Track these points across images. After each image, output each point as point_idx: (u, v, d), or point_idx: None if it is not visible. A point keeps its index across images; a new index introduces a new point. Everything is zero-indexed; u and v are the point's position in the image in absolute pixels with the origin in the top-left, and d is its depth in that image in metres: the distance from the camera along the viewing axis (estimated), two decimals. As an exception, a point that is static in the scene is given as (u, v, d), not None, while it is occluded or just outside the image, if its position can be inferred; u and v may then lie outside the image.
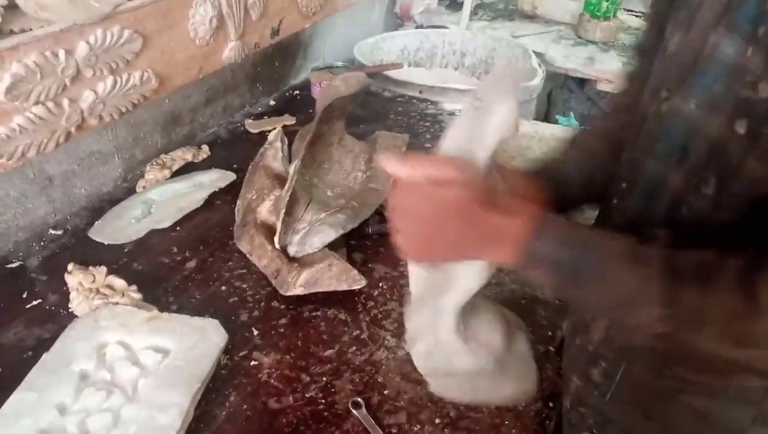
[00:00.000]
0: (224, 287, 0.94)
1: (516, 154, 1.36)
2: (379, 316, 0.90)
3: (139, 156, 1.22)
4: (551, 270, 0.55)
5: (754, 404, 0.62)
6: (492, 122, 0.58)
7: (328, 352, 0.84)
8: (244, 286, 0.95)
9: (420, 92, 1.62)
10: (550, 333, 0.88)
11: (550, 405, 0.79)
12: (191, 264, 0.99)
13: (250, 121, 1.44)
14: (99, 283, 0.90)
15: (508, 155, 1.35)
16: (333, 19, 1.72)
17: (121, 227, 1.04)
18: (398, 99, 1.61)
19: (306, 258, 0.96)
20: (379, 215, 1.09)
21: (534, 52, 1.85)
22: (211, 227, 1.08)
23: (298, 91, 1.62)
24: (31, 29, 0.80)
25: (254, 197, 1.07)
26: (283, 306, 0.91)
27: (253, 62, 1.47)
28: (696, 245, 0.52)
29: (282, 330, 0.87)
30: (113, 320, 0.83)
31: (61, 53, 0.81)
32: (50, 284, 0.93)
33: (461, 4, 2.17)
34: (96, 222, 1.05)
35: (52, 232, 1.05)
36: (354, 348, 0.85)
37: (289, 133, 1.22)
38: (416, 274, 0.68)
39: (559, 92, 2.68)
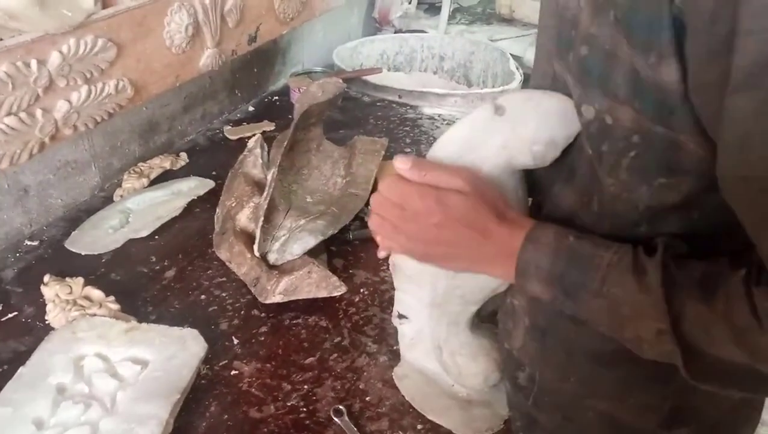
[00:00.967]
0: (204, 296, 0.94)
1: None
2: (360, 322, 0.90)
3: (116, 165, 1.21)
4: (545, 284, 0.54)
5: (657, 410, 0.62)
6: (509, 139, 0.57)
7: (309, 360, 0.84)
8: (224, 295, 0.94)
9: (399, 97, 1.62)
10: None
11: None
12: (170, 274, 0.98)
13: (229, 127, 1.43)
14: (76, 294, 0.89)
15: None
16: (311, 25, 1.72)
17: (98, 237, 1.03)
18: (378, 104, 1.61)
19: (286, 266, 0.96)
20: (360, 220, 1.10)
21: (512, 55, 1.86)
22: (189, 236, 1.07)
23: (277, 97, 1.62)
24: (1, 39, 0.79)
25: (233, 205, 1.07)
26: (263, 314, 0.91)
27: (232, 69, 1.46)
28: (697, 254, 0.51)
29: (262, 339, 0.87)
30: (91, 332, 0.82)
31: (33, 63, 0.80)
32: (26, 296, 0.92)
33: (439, 8, 2.17)
34: (72, 232, 1.04)
35: (28, 243, 1.04)
36: (335, 355, 0.85)
37: (268, 139, 1.21)
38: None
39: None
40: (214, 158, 1.30)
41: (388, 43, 2.02)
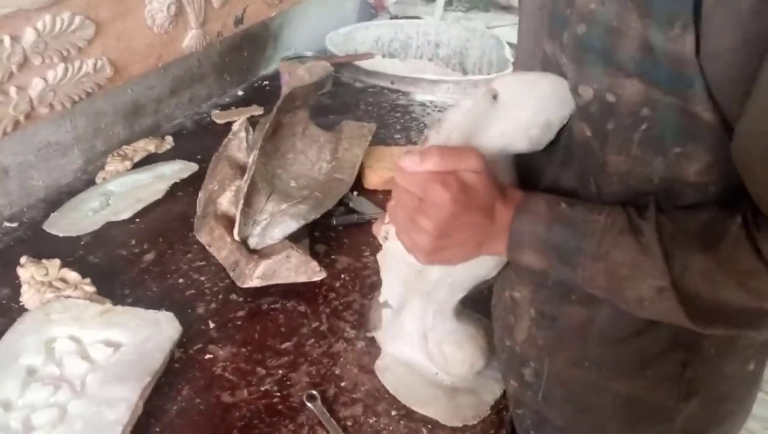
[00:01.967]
0: (182, 279, 0.93)
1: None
2: (340, 308, 0.89)
3: (99, 147, 1.19)
4: (540, 253, 0.54)
5: (676, 382, 0.62)
6: (506, 125, 0.56)
7: (286, 345, 0.82)
8: (202, 279, 0.93)
9: (392, 83, 1.60)
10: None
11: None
12: (149, 257, 0.97)
13: (217, 111, 1.42)
14: (52, 276, 0.88)
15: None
16: (304, 9, 1.70)
17: (77, 219, 1.01)
18: (369, 89, 1.59)
19: (265, 250, 0.95)
20: (344, 206, 1.08)
21: (508, 43, 1.84)
22: (171, 219, 1.05)
23: (267, 82, 1.60)
24: (-26, 14, 0.77)
25: (215, 188, 1.05)
26: (241, 299, 0.90)
27: (220, 52, 1.45)
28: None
29: (239, 323, 0.86)
30: (64, 314, 0.81)
31: (6, 39, 0.79)
32: (2, 278, 0.90)
33: (436, -4, 2.16)
34: (52, 214, 1.03)
35: (7, 224, 1.02)
36: (312, 340, 0.83)
37: (255, 123, 1.20)
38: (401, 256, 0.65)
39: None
40: (200, 142, 1.29)
41: (383, 29, 2.00)
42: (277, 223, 0.97)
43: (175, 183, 1.12)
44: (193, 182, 1.13)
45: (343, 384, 0.77)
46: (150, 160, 1.20)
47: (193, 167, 1.17)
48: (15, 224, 1.02)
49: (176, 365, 0.78)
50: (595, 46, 0.49)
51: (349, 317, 0.87)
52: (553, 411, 0.69)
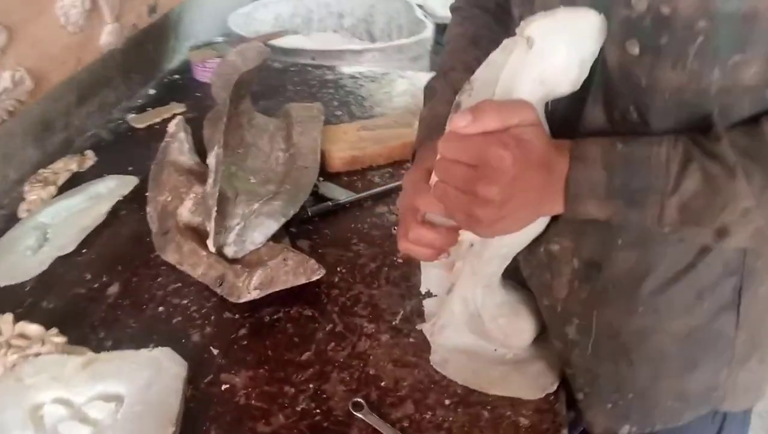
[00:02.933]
0: (161, 308, 0.81)
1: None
2: (349, 304, 0.81)
3: (12, 176, 1.02)
4: (603, 200, 0.50)
5: (732, 309, 0.62)
6: (545, 71, 0.51)
7: (306, 355, 0.74)
8: (185, 302, 0.82)
9: (313, 59, 1.51)
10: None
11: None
12: (113, 290, 0.84)
13: (133, 116, 1.27)
14: (7, 334, 0.74)
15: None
16: (199, -8, 1.56)
17: (15, 262, 0.86)
18: (291, 69, 1.48)
19: (251, 257, 0.85)
20: (314, 195, 1.00)
21: (417, 5, 1.79)
22: (124, 243, 0.93)
23: (178, 76, 1.45)
24: None
25: (169, 199, 0.94)
26: (237, 316, 0.80)
27: (123, 51, 1.28)
28: None
29: (245, 343, 0.76)
30: (41, 375, 0.68)
31: None
32: (-59, 349, 0.75)
33: (325, -36, 2.06)
34: (-19, 263, 0.87)
35: (-75, 285, 0.85)
36: (332, 344, 0.76)
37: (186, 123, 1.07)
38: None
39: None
40: (126, 152, 1.14)
41: (282, 5, 1.88)
42: (254, 226, 0.88)
43: (117, 202, 0.98)
44: (135, 198, 1.00)
45: (383, 384, 0.71)
46: (76, 181, 1.05)
47: (132, 180, 1.03)
48: (-65, 282, 0.86)
49: (191, 405, 0.68)
50: None
51: (361, 312, 0.80)
52: (605, 365, 0.66)
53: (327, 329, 0.78)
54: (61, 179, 1.04)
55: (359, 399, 0.68)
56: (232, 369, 0.73)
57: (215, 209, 0.84)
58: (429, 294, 0.69)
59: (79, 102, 1.17)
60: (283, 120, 1.10)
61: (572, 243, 0.62)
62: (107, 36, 0.97)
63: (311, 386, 0.70)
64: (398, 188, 1.03)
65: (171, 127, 1.03)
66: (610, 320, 0.64)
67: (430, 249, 0.64)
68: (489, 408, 0.68)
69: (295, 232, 0.94)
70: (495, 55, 0.55)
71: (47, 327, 0.75)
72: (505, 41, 0.54)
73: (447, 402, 0.69)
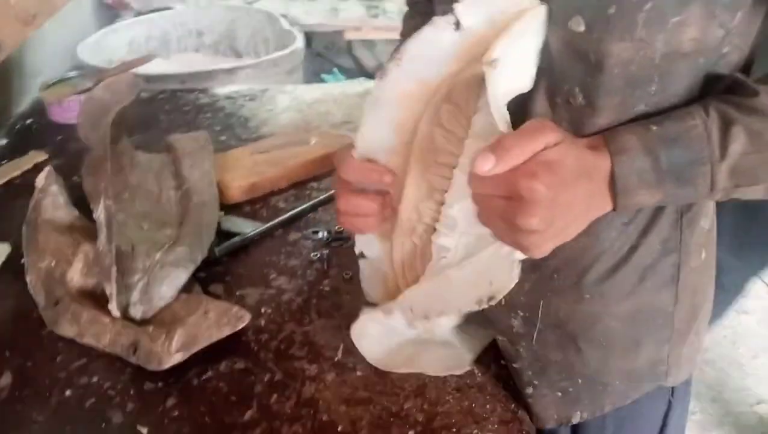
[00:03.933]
0: (69, 391, 0.71)
1: (319, 123, 1.25)
2: (283, 347, 0.75)
3: None
4: (653, 187, 0.50)
5: (671, 285, 0.64)
6: (511, 90, 0.50)
7: (249, 414, 0.67)
8: (96, 379, 0.72)
9: (182, 83, 1.41)
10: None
11: (502, 362, 0.73)
12: (5, 381, 0.72)
13: (-14, 172, 1.11)
14: None
15: (312, 126, 1.23)
16: (44, 23, 1.40)
17: None
18: (160, 97, 1.38)
19: (163, 315, 0.77)
20: (218, 233, 0.91)
21: (281, 15, 1.74)
22: (6, 323, 0.80)
23: (31, 120, 1.30)
24: None
25: (53, 264, 0.82)
26: (160, 384, 0.71)
27: (-40, 99, 1.13)
28: None
29: (176, 413, 0.68)
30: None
31: None
32: None
33: (174, -19, 1.94)
34: None
35: None
36: (275, 395, 0.69)
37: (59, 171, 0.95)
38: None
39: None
40: (-15, 216, 1.00)
41: (134, 28, 1.76)
42: (160, 278, 0.79)
43: (-12, 276, 0.85)
44: (10, 268, 0.88)
45: (340, 429, 0.65)
46: (-70, 258, 0.90)
47: (4, 249, 0.90)
48: None
49: (129, 500, 0.59)
50: None
51: (299, 353, 0.74)
52: (552, 354, 0.66)
53: (265, 380, 0.71)
54: None
55: (320, 452, 0.62)
56: (168, 447, 0.64)
57: (114, 268, 0.74)
58: (362, 255, 0.65)
59: None
60: (168, 154, 1.01)
61: None
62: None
63: (263, 447, 0.64)
64: (307, 211, 0.98)
65: (39, 180, 0.91)
66: (556, 310, 0.64)
67: (368, 218, 0.62)
68: (454, 430, 0.65)
69: (204, 276, 0.86)
70: (426, 32, 0.53)
71: (-71, 445, 0.62)
72: (435, 18, 0.53)
73: (411, 432, 0.65)
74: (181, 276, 0.79)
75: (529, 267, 0.61)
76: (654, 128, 0.50)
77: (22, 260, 0.85)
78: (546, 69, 0.53)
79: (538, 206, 0.47)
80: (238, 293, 0.83)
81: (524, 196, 0.47)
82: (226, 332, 0.73)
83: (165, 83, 1.41)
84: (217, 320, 0.73)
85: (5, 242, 0.91)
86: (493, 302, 0.55)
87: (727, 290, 1.80)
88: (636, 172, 0.50)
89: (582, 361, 0.66)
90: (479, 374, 0.71)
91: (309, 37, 2.24)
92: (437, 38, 0.52)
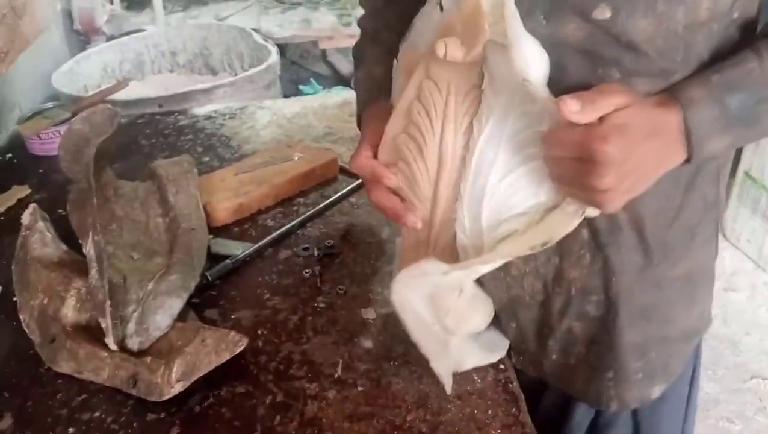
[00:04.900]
0: (72, 429, 0.70)
1: (301, 136, 1.25)
2: (282, 367, 0.76)
3: None
4: (725, 132, 0.53)
5: (713, 238, 0.69)
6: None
7: (254, 438, 0.68)
8: (97, 415, 0.72)
9: (160, 106, 1.41)
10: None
11: (501, 366, 0.74)
12: (6, 423, 0.72)
13: (-32, 211, 1.10)
14: None
15: (294, 140, 1.24)
16: (16, 59, 1.39)
17: None
18: (138, 121, 1.37)
19: (160, 345, 0.77)
20: (207, 255, 0.91)
21: (253, 30, 1.74)
22: (2, 364, 0.80)
23: (10, 154, 1.29)
24: None
25: (46, 301, 0.82)
26: (163, 414, 0.71)
27: (-63, 138, 1.12)
28: None
29: (181, 443, 0.68)
30: None
31: None
32: None
33: (141, 2, 1.94)
34: None
35: None
36: (278, 417, 0.70)
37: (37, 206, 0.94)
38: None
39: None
40: (-30, 255, 0.99)
41: (106, 53, 1.75)
42: (154, 308, 0.79)
43: (-20, 318, 0.85)
44: (2, 308, 0.87)
45: (346, 446, 0.66)
46: None
47: (-6, 288, 0.89)
48: None
49: None
50: None
51: (298, 373, 0.75)
52: (626, 334, 0.68)
53: (267, 402, 0.72)
54: None
55: (327, 471, 0.63)
56: (175, 478, 0.65)
57: (108, 302, 0.74)
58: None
59: None
60: (153, 182, 1.01)
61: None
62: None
63: (270, 471, 0.64)
64: (296, 228, 0.98)
65: (25, 218, 0.90)
66: (629, 283, 0.66)
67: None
68: (466, 447, 0.66)
69: (198, 302, 0.86)
70: (425, 7, 0.59)
71: (-65, 496, 0.62)
72: None
73: (410, 450, 0.66)
74: (176, 305, 0.79)
75: (596, 246, 0.64)
76: (715, 77, 0.53)
77: (14, 298, 0.85)
78: (575, 58, 0.55)
79: (611, 167, 0.49)
80: (233, 317, 0.84)
81: (597, 159, 0.49)
82: (225, 357, 0.73)
83: (142, 107, 1.41)
84: (215, 347, 0.73)
85: (-9, 282, 0.91)
86: (546, 246, 0.57)
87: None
88: (707, 121, 0.52)
89: (651, 333, 0.68)
90: (479, 380, 0.72)
91: (283, 47, 2.25)
92: (429, 13, 0.58)
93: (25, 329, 0.82)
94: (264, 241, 0.94)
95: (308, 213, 1.00)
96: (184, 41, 1.82)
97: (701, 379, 1.94)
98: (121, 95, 1.42)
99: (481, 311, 0.66)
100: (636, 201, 0.56)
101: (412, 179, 0.62)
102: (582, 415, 0.77)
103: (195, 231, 0.92)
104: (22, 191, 1.14)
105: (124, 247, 0.91)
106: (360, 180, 1.01)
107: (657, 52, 0.54)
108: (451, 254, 0.64)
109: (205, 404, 0.72)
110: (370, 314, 0.82)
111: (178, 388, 0.71)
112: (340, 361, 0.75)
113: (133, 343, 0.77)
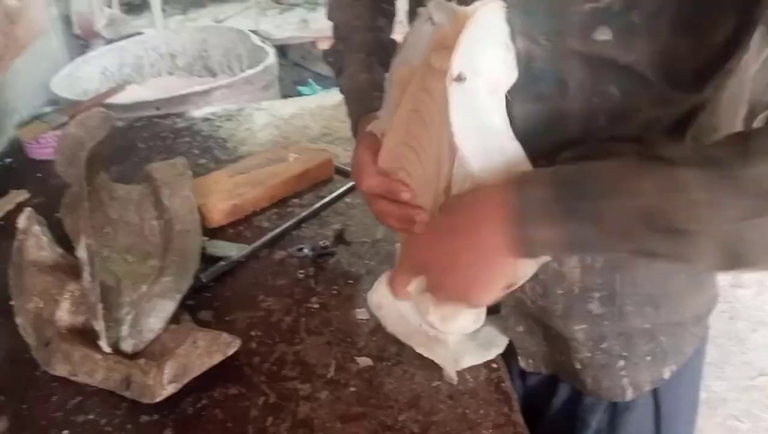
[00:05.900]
0: (66, 431, 0.71)
1: (298, 138, 1.25)
2: (275, 368, 0.76)
3: None
4: (554, 222, 0.49)
5: None
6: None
7: (246, 439, 0.68)
8: (91, 417, 0.72)
9: (158, 108, 1.42)
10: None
11: (494, 365, 0.74)
12: (2, 425, 0.72)
13: (-33, 215, 1.11)
14: None
15: (290, 142, 1.24)
16: (11, 64, 1.39)
17: None
18: (136, 124, 1.38)
19: (153, 348, 0.77)
20: (202, 257, 0.92)
21: (251, 31, 1.74)
22: (-1, 368, 0.80)
23: (9, 159, 1.30)
24: None
25: (41, 305, 0.82)
26: (156, 416, 0.72)
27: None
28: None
29: (174, 445, 0.68)
30: None
31: None
32: None
33: (140, 6, 1.94)
34: None
35: None
36: (270, 418, 0.70)
37: (35, 210, 0.95)
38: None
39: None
40: (-33, 260, 1.00)
41: (106, 57, 1.76)
42: (147, 311, 0.79)
43: (-24, 322, 0.85)
44: (0, 311, 0.88)
45: (337, 446, 0.66)
46: None
47: (-10, 292, 0.90)
48: None
49: None
50: None
51: (291, 374, 0.75)
52: (635, 320, 0.68)
53: (260, 403, 0.72)
54: None
55: (319, 472, 0.63)
56: (168, 480, 0.65)
57: (100, 305, 0.74)
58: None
59: None
60: (147, 185, 1.01)
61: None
62: None
63: (262, 472, 0.64)
64: (290, 229, 0.98)
65: (21, 222, 0.91)
66: (633, 277, 0.65)
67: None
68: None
69: (193, 304, 0.86)
70: (416, 23, 0.60)
71: (-71, 499, 0.62)
72: (420, 9, 0.58)
73: (410, 449, 0.66)
74: (169, 307, 0.79)
75: None
76: (567, 167, 0.52)
77: (11, 302, 0.86)
78: (575, 76, 0.55)
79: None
80: (227, 319, 0.84)
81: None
82: (217, 359, 0.74)
83: (140, 110, 1.42)
84: (207, 349, 0.73)
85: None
86: (511, 289, 0.57)
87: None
88: (537, 200, 0.50)
89: (660, 318, 0.68)
90: (471, 379, 0.72)
91: (285, 48, 2.25)
92: (420, 28, 0.59)
93: (21, 332, 0.82)
94: (258, 242, 0.95)
95: (303, 214, 1.00)
96: (183, 44, 1.82)
97: (708, 377, 1.93)
98: (119, 99, 1.43)
99: (470, 311, 0.66)
100: None
101: (413, 189, 0.63)
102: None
103: (189, 233, 0.92)
104: (20, 196, 1.14)
105: (118, 250, 0.92)
106: (354, 181, 1.01)
107: (658, 75, 0.53)
108: None
109: (198, 405, 0.72)
110: (363, 314, 0.82)
111: (170, 390, 0.71)
112: (333, 362, 0.75)
113: (127, 345, 0.78)
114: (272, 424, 0.69)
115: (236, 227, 1.01)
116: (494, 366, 0.73)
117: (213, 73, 1.85)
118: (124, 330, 0.78)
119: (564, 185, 0.49)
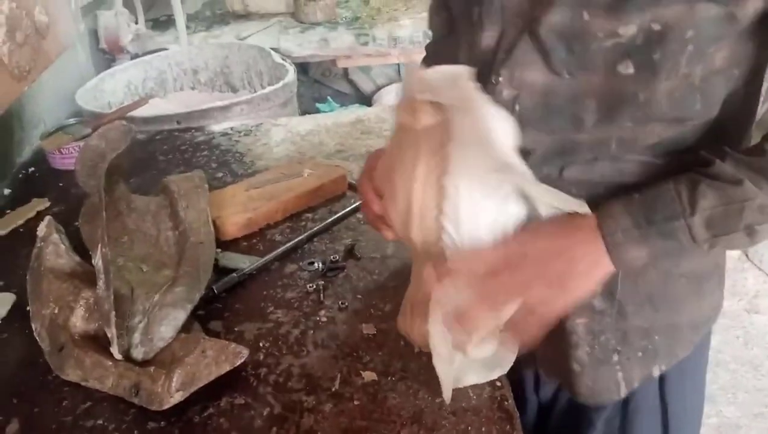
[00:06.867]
0: (75, 435, 0.73)
1: (314, 153, 1.27)
2: (281, 380, 0.77)
3: None
4: (639, 241, 0.56)
5: None
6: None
7: (250, 449, 0.69)
8: (101, 422, 0.74)
9: (178, 122, 1.45)
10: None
11: (498, 384, 0.74)
12: (13, 428, 0.74)
13: (-9, 222, 1.14)
14: None
15: (306, 157, 1.26)
16: (38, 77, 1.44)
17: None
18: (157, 138, 1.41)
19: (163, 356, 0.78)
20: (215, 268, 0.93)
21: (272, 49, 1.77)
22: (14, 371, 0.82)
23: (33, 168, 1.33)
24: None
25: (56, 311, 0.84)
26: (163, 423, 0.73)
27: (-36, 153, 1.16)
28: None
29: (179, 452, 0.70)
30: None
31: None
32: None
33: (165, 23, 1.99)
34: None
35: None
36: (275, 429, 0.71)
37: (55, 219, 0.98)
38: None
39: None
40: (-8, 265, 1.03)
41: (130, 71, 1.80)
42: (159, 319, 0.81)
43: (-6, 325, 0.87)
44: (16, 316, 0.90)
45: (341, 459, 0.67)
46: (-62, 312, 0.92)
47: (8, 298, 0.92)
48: None
49: None
50: None
51: (296, 386, 0.76)
52: (632, 319, 0.70)
53: (265, 414, 0.73)
54: None
55: (320, 483, 0.63)
56: (172, 486, 0.66)
57: (113, 313, 0.76)
58: None
59: None
60: (165, 197, 1.03)
61: None
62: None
63: (264, 482, 0.65)
64: (302, 243, 1.00)
65: (41, 230, 0.94)
66: (634, 277, 0.68)
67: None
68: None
69: (203, 314, 0.88)
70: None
71: (-59, 497, 0.64)
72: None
73: (412, 461, 0.66)
74: (180, 316, 0.81)
75: None
76: (636, 195, 0.57)
77: (28, 308, 0.88)
78: (590, 110, 0.59)
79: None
80: (236, 329, 0.85)
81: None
82: (225, 369, 0.75)
83: (161, 124, 1.45)
84: (215, 358, 0.75)
85: (11, 290, 0.94)
86: None
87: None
88: (620, 229, 0.56)
89: (657, 318, 0.70)
90: (474, 397, 0.72)
91: (306, 66, 2.29)
92: (411, 69, 0.63)
93: (36, 337, 0.84)
94: (270, 255, 0.96)
95: (315, 228, 1.02)
96: (206, 60, 1.86)
97: (720, 403, 1.89)
98: (141, 112, 1.46)
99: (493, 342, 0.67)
100: None
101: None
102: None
103: (203, 245, 0.94)
104: (41, 204, 1.18)
105: (134, 259, 0.94)
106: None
107: (672, 103, 0.57)
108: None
109: (205, 414, 0.73)
110: (370, 329, 0.82)
111: (177, 398, 0.72)
112: (338, 375, 0.76)
113: (138, 353, 0.79)
114: (277, 435, 0.70)
115: (250, 240, 1.02)
116: (498, 383, 0.74)
117: (234, 89, 1.88)
118: (136, 337, 0.80)
119: (636, 213, 0.57)
